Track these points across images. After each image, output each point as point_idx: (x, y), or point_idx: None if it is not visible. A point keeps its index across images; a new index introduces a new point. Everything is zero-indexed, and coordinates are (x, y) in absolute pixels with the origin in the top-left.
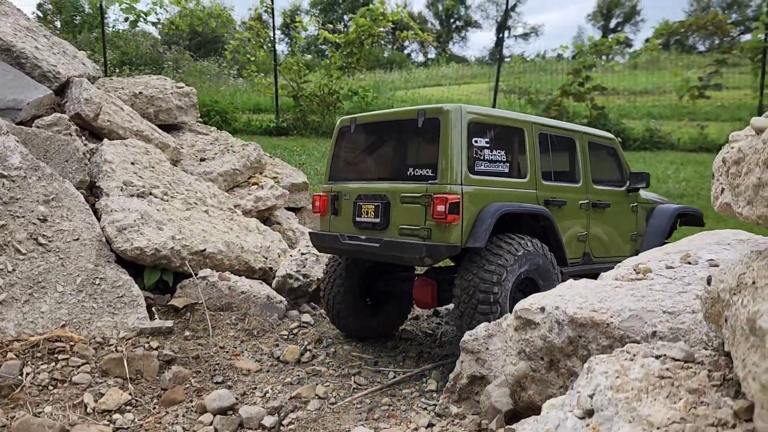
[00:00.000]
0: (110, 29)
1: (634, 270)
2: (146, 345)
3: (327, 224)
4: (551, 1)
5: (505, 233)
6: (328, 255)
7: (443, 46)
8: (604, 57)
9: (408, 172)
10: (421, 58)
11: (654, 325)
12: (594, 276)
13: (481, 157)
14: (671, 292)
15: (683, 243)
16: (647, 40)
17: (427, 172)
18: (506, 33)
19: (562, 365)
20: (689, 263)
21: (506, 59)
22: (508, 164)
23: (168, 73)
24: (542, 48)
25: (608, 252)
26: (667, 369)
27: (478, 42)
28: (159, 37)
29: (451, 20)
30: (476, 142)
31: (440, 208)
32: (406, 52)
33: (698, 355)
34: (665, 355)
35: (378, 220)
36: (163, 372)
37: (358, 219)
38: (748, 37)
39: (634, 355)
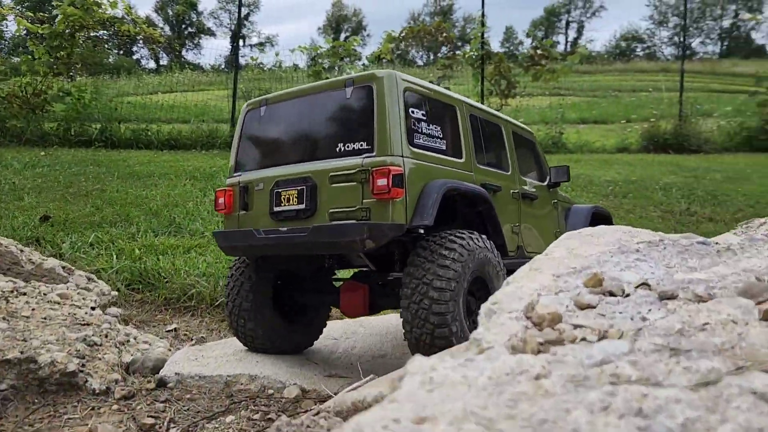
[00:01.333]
0: None
1: (533, 322)
2: None
3: (235, 223)
4: (285, 13)
5: (446, 226)
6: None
7: (176, 53)
8: (342, 61)
9: (338, 149)
10: (152, 65)
11: None
12: None
13: (419, 130)
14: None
15: (560, 254)
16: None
17: (362, 145)
18: (241, 42)
19: None
20: (611, 294)
21: (242, 68)
22: (444, 142)
23: None
24: (277, 59)
25: (538, 248)
26: None
27: (214, 49)
28: None
29: (183, 26)
30: (413, 112)
31: (381, 182)
32: (135, 57)
33: None
34: None
35: (303, 206)
36: None
37: (276, 209)
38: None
39: None
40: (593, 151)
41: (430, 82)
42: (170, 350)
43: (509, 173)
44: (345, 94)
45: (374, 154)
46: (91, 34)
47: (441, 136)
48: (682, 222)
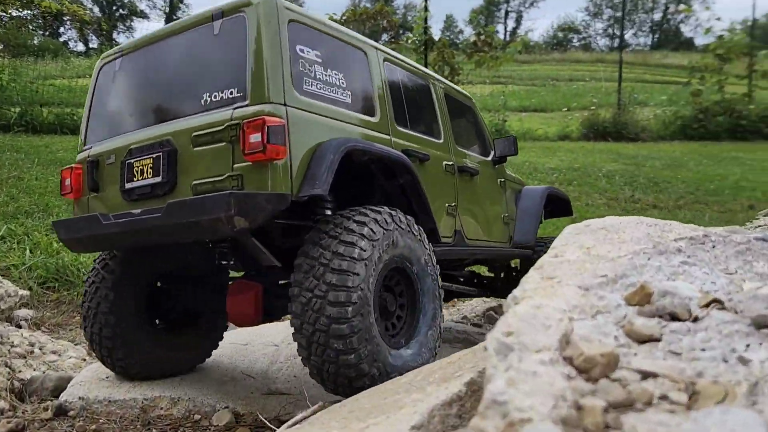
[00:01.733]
0: None
1: (577, 368)
2: None
3: (84, 209)
4: None
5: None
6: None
7: (106, 35)
8: None
9: (203, 100)
10: (81, 48)
11: None
12: (466, 265)
13: (311, 74)
14: None
15: (575, 255)
16: None
17: (232, 92)
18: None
19: None
20: (674, 317)
21: None
22: (349, 93)
23: None
24: None
25: (482, 234)
26: None
27: (147, 32)
28: None
29: (114, 8)
30: (302, 51)
31: (254, 138)
32: (63, 39)
33: None
34: None
35: (160, 178)
36: None
37: (129, 185)
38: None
39: None
40: (536, 139)
41: None
42: (85, 360)
43: (441, 141)
44: (212, 29)
45: (247, 102)
46: (13, 14)
47: (345, 86)
48: (627, 209)
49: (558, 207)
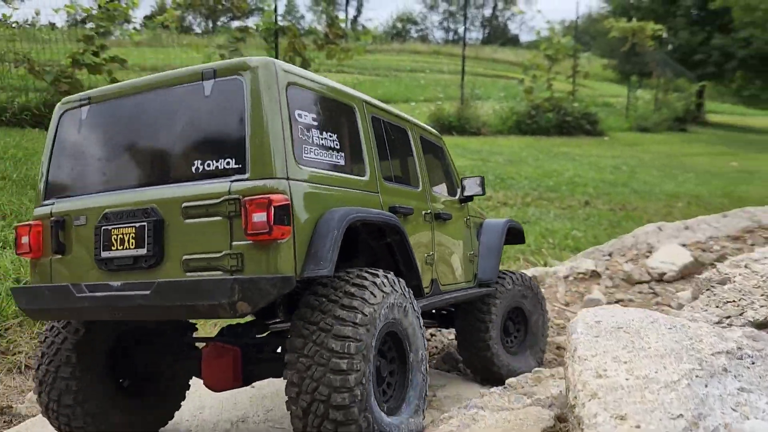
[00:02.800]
0: None
1: None
2: None
3: (46, 272)
4: None
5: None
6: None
7: None
8: (116, 25)
9: (194, 168)
10: None
11: None
12: (444, 316)
13: (309, 140)
14: None
15: (618, 376)
16: (148, 18)
17: (229, 162)
18: None
19: None
20: None
21: None
22: (342, 155)
23: None
24: (33, 18)
25: (453, 278)
26: None
27: None
28: None
29: None
30: (300, 117)
31: (259, 217)
32: None
33: None
34: None
35: (145, 251)
36: None
37: (106, 254)
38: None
39: None
40: None
41: (221, 55)
42: None
43: (419, 190)
44: (202, 89)
45: (247, 176)
46: None
47: (338, 147)
48: (482, 206)
49: (512, 236)
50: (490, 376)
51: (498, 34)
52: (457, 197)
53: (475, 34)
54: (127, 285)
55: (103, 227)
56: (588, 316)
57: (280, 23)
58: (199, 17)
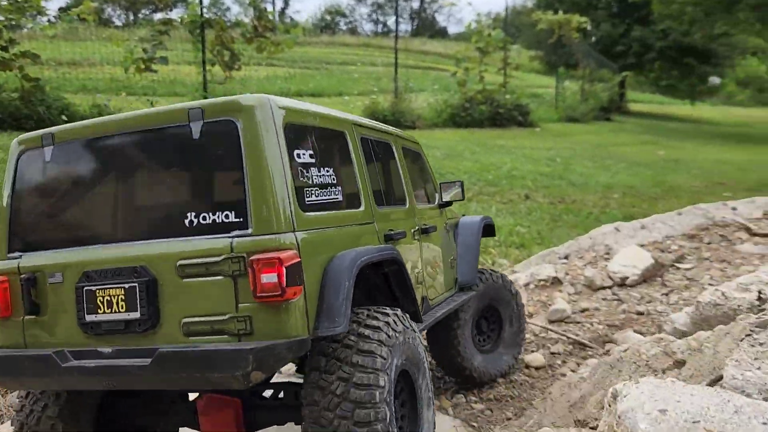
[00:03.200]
0: None
1: None
2: None
3: (18, 334)
4: None
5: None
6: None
7: None
8: (26, 18)
9: (186, 221)
10: None
11: None
12: (439, 332)
13: (310, 182)
14: None
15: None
16: (63, 9)
17: (228, 215)
18: None
19: None
20: None
21: None
22: (339, 189)
23: None
24: None
25: (438, 290)
26: None
27: None
28: None
29: None
30: (299, 156)
31: (268, 278)
32: None
33: None
34: None
35: (138, 314)
36: None
37: (91, 318)
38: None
39: None
40: None
41: (143, 49)
42: None
43: (407, 207)
44: (190, 132)
45: (250, 231)
46: None
47: (335, 182)
48: None
49: (488, 231)
50: (461, 376)
51: (426, 26)
52: (436, 203)
53: (404, 26)
54: (120, 352)
55: (86, 287)
56: (646, 403)
57: (206, 15)
58: (118, 9)
